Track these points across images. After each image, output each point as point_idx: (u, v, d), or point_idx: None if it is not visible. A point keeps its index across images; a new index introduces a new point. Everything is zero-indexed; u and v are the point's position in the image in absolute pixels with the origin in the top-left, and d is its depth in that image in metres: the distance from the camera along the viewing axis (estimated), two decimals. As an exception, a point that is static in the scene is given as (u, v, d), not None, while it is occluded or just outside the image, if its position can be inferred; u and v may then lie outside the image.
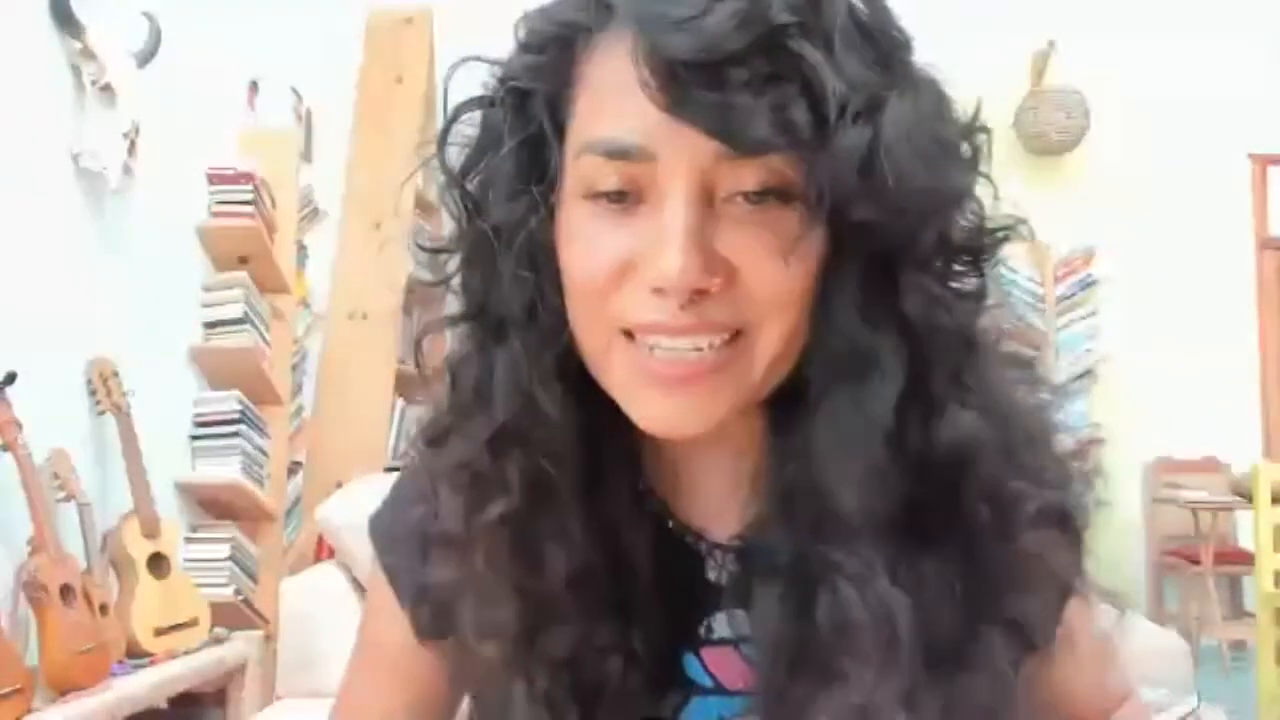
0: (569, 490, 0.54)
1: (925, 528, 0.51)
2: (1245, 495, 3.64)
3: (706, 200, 0.49)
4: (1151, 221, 4.70)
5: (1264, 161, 4.92)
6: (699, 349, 0.50)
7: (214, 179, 3.09)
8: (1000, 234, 0.52)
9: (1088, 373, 4.78)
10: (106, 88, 2.52)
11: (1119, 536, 4.80)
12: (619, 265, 0.50)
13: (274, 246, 3.20)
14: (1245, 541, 4.32)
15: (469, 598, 0.56)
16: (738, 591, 0.58)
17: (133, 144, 2.62)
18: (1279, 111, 4.76)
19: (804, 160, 0.47)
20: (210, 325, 3.08)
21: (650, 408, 0.51)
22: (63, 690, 2.07)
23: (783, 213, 0.49)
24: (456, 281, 0.57)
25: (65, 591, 2.12)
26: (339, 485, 2.87)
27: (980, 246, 0.52)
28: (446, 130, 0.56)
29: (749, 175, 0.48)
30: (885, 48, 0.48)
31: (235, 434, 3.04)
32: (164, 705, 2.34)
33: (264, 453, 3.17)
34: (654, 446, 0.59)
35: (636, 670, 0.56)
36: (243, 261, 3.14)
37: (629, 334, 0.51)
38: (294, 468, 3.50)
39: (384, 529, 0.67)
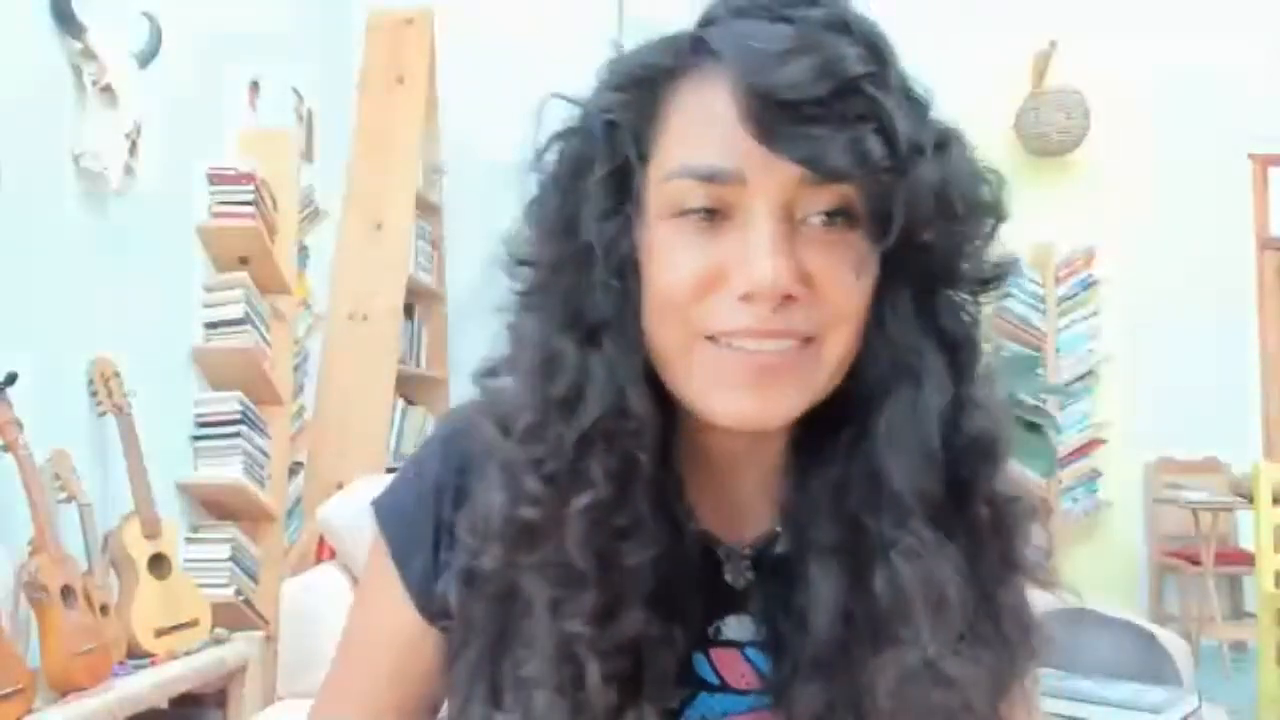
0: (649, 483, 0.60)
1: (949, 516, 0.60)
2: (1245, 495, 3.64)
3: (787, 219, 0.56)
4: (1152, 221, 4.70)
5: (1264, 161, 4.92)
6: (780, 348, 0.56)
7: (214, 179, 3.09)
8: (1000, 268, 0.62)
9: (1089, 373, 4.78)
10: (107, 88, 2.53)
11: (1119, 536, 4.80)
12: (706, 276, 0.56)
13: (274, 247, 3.20)
14: (1245, 542, 4.33)
15: (543, 581, 0.59)
16: (753, 596, 0.65)
17: (133, 144, 2.62)
18: (1279, 112, 4.75)
19: (875, 189, 0.55)
20: (211, 325, 3.08)
21: (730, 402, 0.57)
22: (64, 691, 2.07)
23: (849, 234, 0.57)
24: (539, 291, 0.62)
25: (66, 592, 2.12)
26: (340, 486, 2.87)
27: (992, 276, 0.62)
28: (541, 154, 0.63)
29: (825, 198, 0.56)
30: (922, 104, 0.58)
31: (236, 434, 3.04)
32: (165, 706, 2.34)
33: (265, 453, 3.17)
34: (690, 454, 0.64)
35: (673, 661, 0.61)
36: (243, 262, 3.14)
37: (711, 339, 0.57)
38: (295, 468, 3.50)
39: (391, 512, 0.69)
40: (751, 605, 0.65)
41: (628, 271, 0.60)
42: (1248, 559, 4.02)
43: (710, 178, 0.55)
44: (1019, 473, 0.66)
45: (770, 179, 0.55)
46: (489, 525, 0.60)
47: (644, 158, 0.59)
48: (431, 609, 0.65)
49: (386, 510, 0.69)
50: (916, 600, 0.58)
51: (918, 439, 0.59)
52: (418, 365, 4.36)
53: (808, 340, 0.57)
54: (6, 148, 2.28)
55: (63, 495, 2.28)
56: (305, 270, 3.58)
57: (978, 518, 0.61)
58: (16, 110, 2.34)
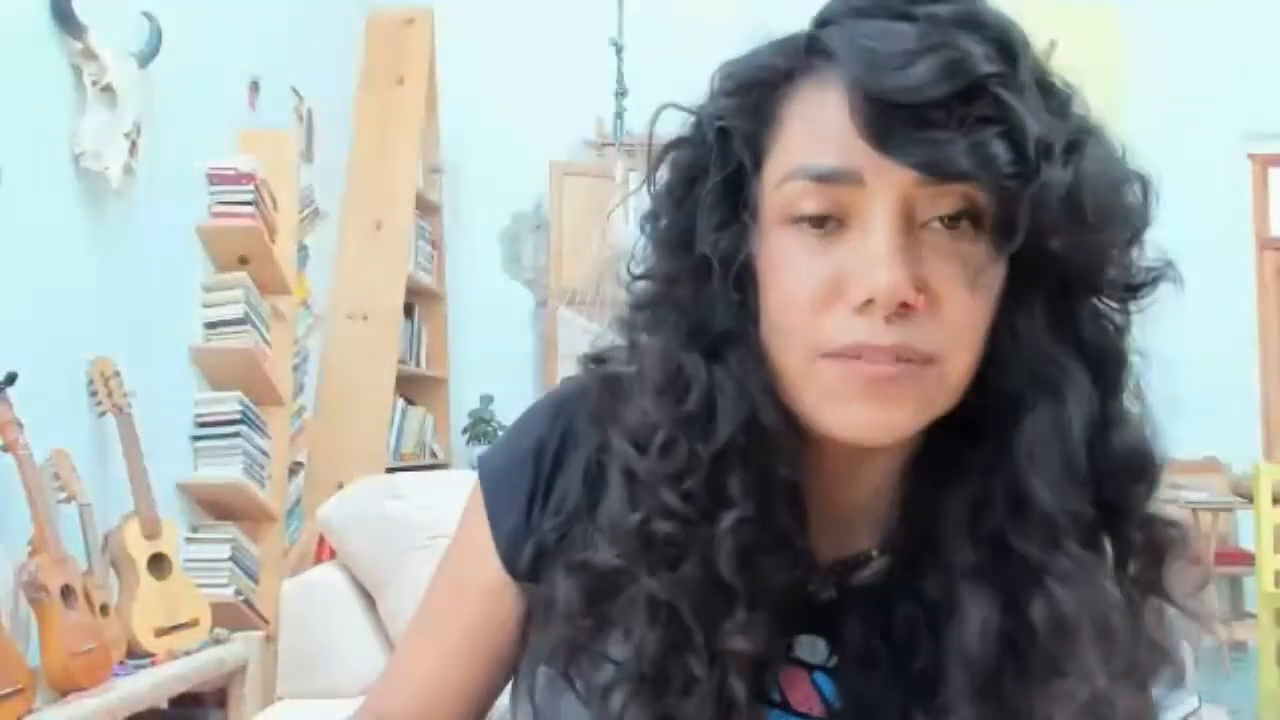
0: (786, 495, 0.59)
1: (1104, 536, 0.57)
2: (1245, 495, 3.64)
3: (908, 224, 0.53)
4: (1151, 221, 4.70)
5: (1264, 161, 4.93)
6: (900, 360, 0.54)
7: (214, 179, 3.09)
8: (1153, 274, 0.59)
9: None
10: (107, 88, 2.52)
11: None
12: (826, 287, 0.54)
13: (274, 247, 3.20)
14: (1245, 542, 4.33)
15: (682, 594, 0.58)
16: (837, 617, 0.62)
17: (133, 144, 2.62)
18: (1279, 112, 4.76)
19: (1002, 194, 0.52)
20: (211, 325, 3.08)
21: (847, 414, 0.55)
22: (64, 691, 2.07)
23: (974, 241, 0.54)
24: (657, 306, 0.61)
25: (66, 592, 2.12)
26: (340, 485, 2.87)
27: (1140, 284, 0.59)
28: (656, 165, 0.61)
29: (947, 201, 0.53)
30: (1062, 98, 0.55)
31: (236, 434, 3.04)
32: (165, 706, 2.34)
33: (265, 453, 3.17)
34: (808, 471, 0.62)
35: (765, 666, 0.60)
36: (243, 262, 3.14)
37: (829, 357, 0.55)
38: (295, 468, 3.50)
39: (491, 468, 0.69)
40: (834, 626, 0.62)
41: (747, 283, 0.58)
42: (1248, 559, 4.02)
43: (826, 179, 0.54)
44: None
45: (888, 180, 0.52)
46: (608, 527, 0.60)
47: (759, 164, 0.57)
48: (517, 568, 0.65)
49: (488, 465, 0.69)
50: (1082, 629, 0.54)
51: (1063, 456, 0.56)
52: (418, 365, 4.36)
53: (926, 362, 0.54)
54: (6, 148, 2.28)
55: (63, 495, 2.28)
56: (305, 270, 3.58)
57: (1131, 543, 0.58)
58: (16, 110, 2.34)
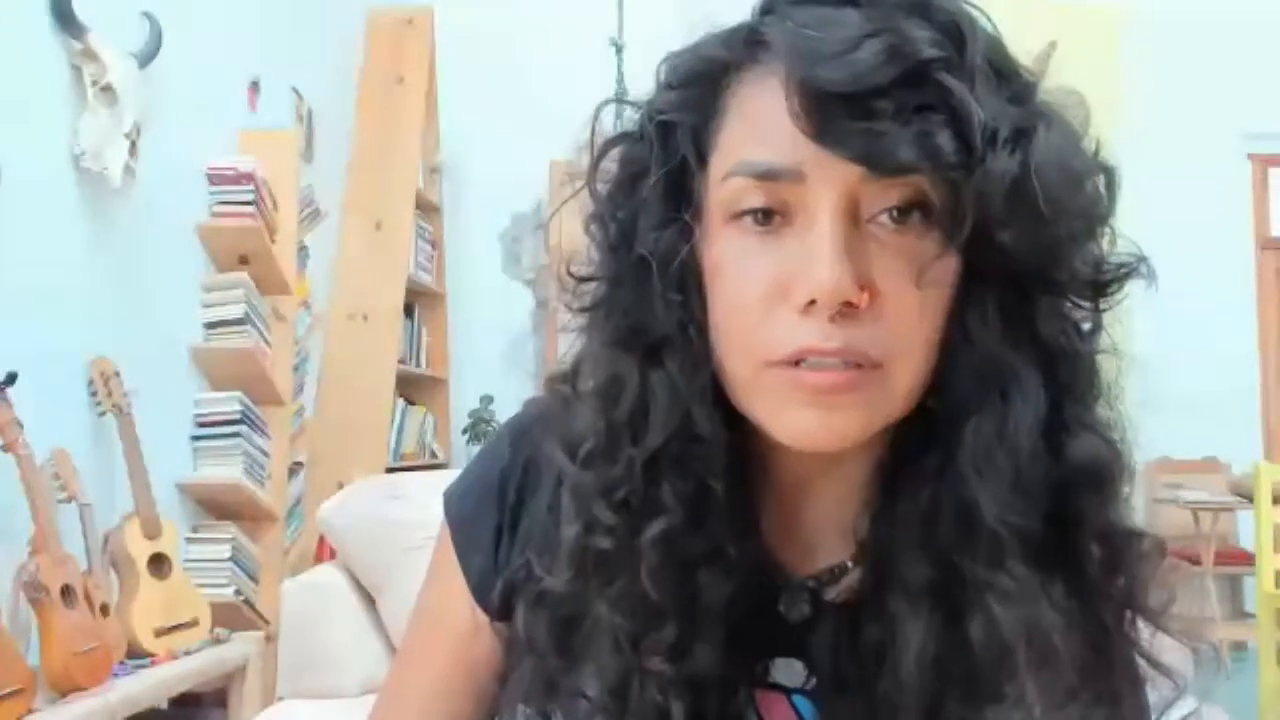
0: (723, 507, 0.56)
1: (1053, 554, 0.53)
2: (1245, 495, 3.64)
3: (853, 219, 0.51)
4: (1151, 221, 4.70)
5: (1264, 161, 4.93)
6: (847, 365, 0.51)
7: (214, 179, 3.09)
8: (1123, 270, 0.56)
9: (1088, 373, 4.78)
10: (107, 88, 2.52)
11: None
12: (770, 289, 0.52)
13: (274, 247, 3.20)
14: (1245, 542, 4.33)
15: (618, 614, 0.56)
16: (809, 636, 0.59)
17: (133, 144, 2.62)
18: (1279, 112, 4.76)
19: (948, 184, 0.49)
20: (211, 325, 3.08)
21: (797, 421, 0.52)
22: (64, 691, 2.07)
23: (923, 236, 0.51)
24: (599, 309, 0.59)
25: (66, 592, 2.12)
26: (340, 486, 2.87)
27: (1108, 281, 0.55)
28: (596, 163, 0.58)
29: (893, 194, 0.51)
30: (1018, 86, 0.53)
31: (236, 434, 3.04)
32: (165, 706, 2.34)
33: (265, 453, 3.17)
34: (759, 476, 0.60)
35: (737, 700, 0.58)
36: (243, 262, 3.14)
37: (776, 366, 0.52)
38: (295, 468, 3.50)
39: (456, 505, 0.68)
40: (808, 646, 0.59)
41: (689, 284, 0.56)
42: (1247, 559, 4.03)
43: (766, 176, 0.51)
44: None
45: (830, 175, 0.50)
46: (560, 551, 0.58)
47: (703, 160, 0.55)
48: (489, 607, 0.64)
49: (453, 503, 0.68)
50: (1019, 651, 0.51)
51: (1009, 463, 0.52)
52: (418, 365, 4.36)
53: (873, 365, 0.52)
54: (6, 148, 2.28)
55: (63, 495, 2.28)
56: (305, 270, 3.58)
57: (1088, 556, 0.53)
58: (16, 110, 2.34)
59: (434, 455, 4.46)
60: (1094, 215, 0.54)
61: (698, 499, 0.55)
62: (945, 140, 0.48)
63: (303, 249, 3.54)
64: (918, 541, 0.55)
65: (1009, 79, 0.52)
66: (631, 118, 0.59)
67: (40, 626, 2.09)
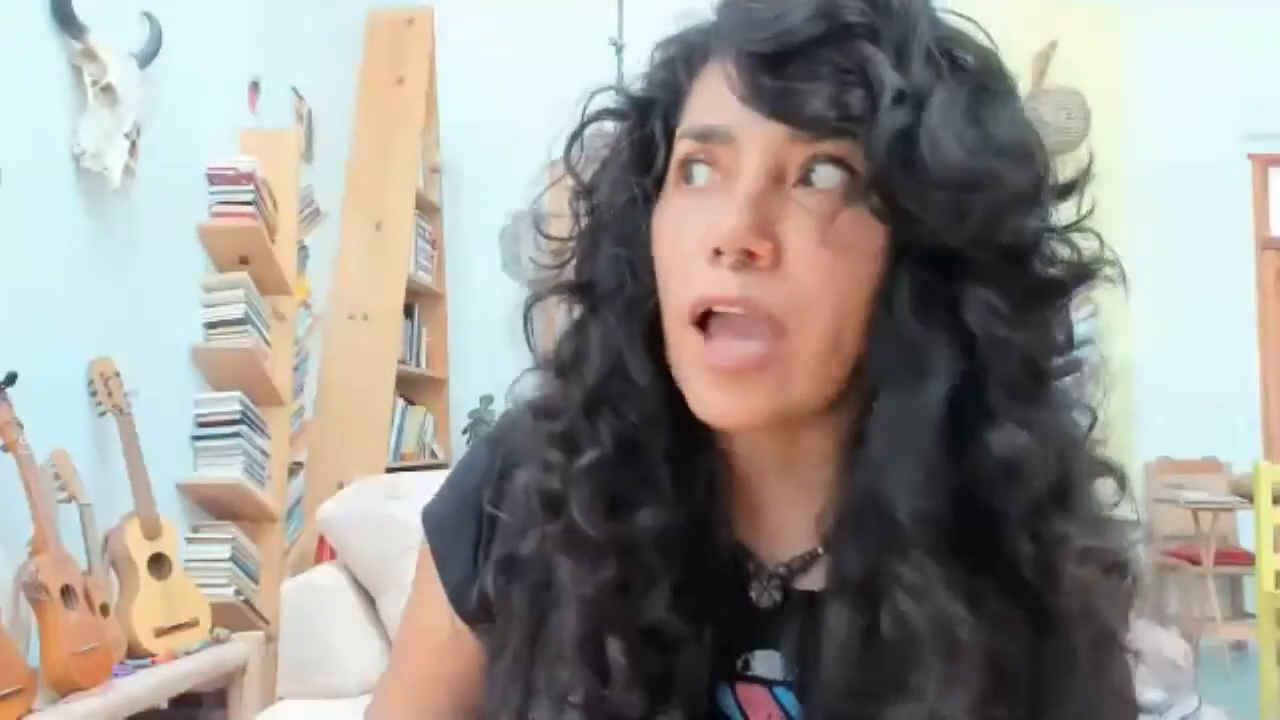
0: (658, 451, 0.58)
1: (976, 548, 0.52)
2: (1245, 495, 3.64)
3: (777, 181, 0.53)
4: (1151, 221, 4.70)
5: (1264, 161, 4.93)
6: (746, 340, 0.52)
7: (214, 179, 3.09)
8: (1085, 271, 0.55)
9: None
10: (108, 88, 2.52)
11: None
12: (695, 244, 0.54)
13: (274, 247, 3.20)
14: (1245, 541, 4.33)
15: (566, 553, 0.58)
16: (782, 627, 0.59)
17: (134, 144, 2.62)
18: (1279, 112, 4.76)
19: (865, 147, 0.50)
20: (211, 325, 3.08)
21: (705, 397, 0.54)
22: (64, 691, 2.07)
23: (845, 204, 0.52)
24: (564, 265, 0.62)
25: (66, 592, 2.12)
26: (340, 485, 2.87)
27: (1056, 280, 0.54)
28: (574, 137, 0.62)
29: (812, 155, 0.52)
30: (949, 62, 0.52)
31: (236, 434, 3.04)
32: (165, 706, 2.34)
33: (265, 453, 3.17)
34: (726, 465, 0.61)
35: (702, 666, 0.58)
36: (243, 262, 3.14)
37: (699, 324, 0.54)
38: (295, 468, 3.50)
39: (434, 517, 0.69)
40: (781, 638, 0.59)
41: (635, 242, 0.58)
42: (1247, 559, 4.02)
43: (702, 136, 0.55)
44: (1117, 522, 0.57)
45: (755, 135, 0.53)
46: (526, 508, 0.60)
47: (669, 136, 0.59)
48: (467, 612, 0.65)
49: (431, 516, 0.69)
50: (924, 645, 0.51)
51: (914, 448, 0.51)
52: (418, 365, 4.36)
53: (778, 331, 0.52)
54: (6, 148, 2.28)
55: (63, 495, 2.28)
56: (305, 270, 3.58)
57: (1019, 555, 0.52)
58: (16, 110, 2.34)
59: (434, 455, 4.46)
60: (1013, 191, 0.52)
61: (631, 439, 0.58)
62: (856, 99, 0.50)
63: (303, 249, 3.54)
64: (852, 535, 0.55)
65: (946, 52, 0.53)
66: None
67: (40, 626, 2.09)
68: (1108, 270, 0.57)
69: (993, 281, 0.52)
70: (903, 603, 0.52)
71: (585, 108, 0.62)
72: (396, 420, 4.12)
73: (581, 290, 0.61)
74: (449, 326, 4.65)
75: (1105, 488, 0.58)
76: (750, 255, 0.51)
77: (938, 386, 0.51)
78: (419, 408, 4.39)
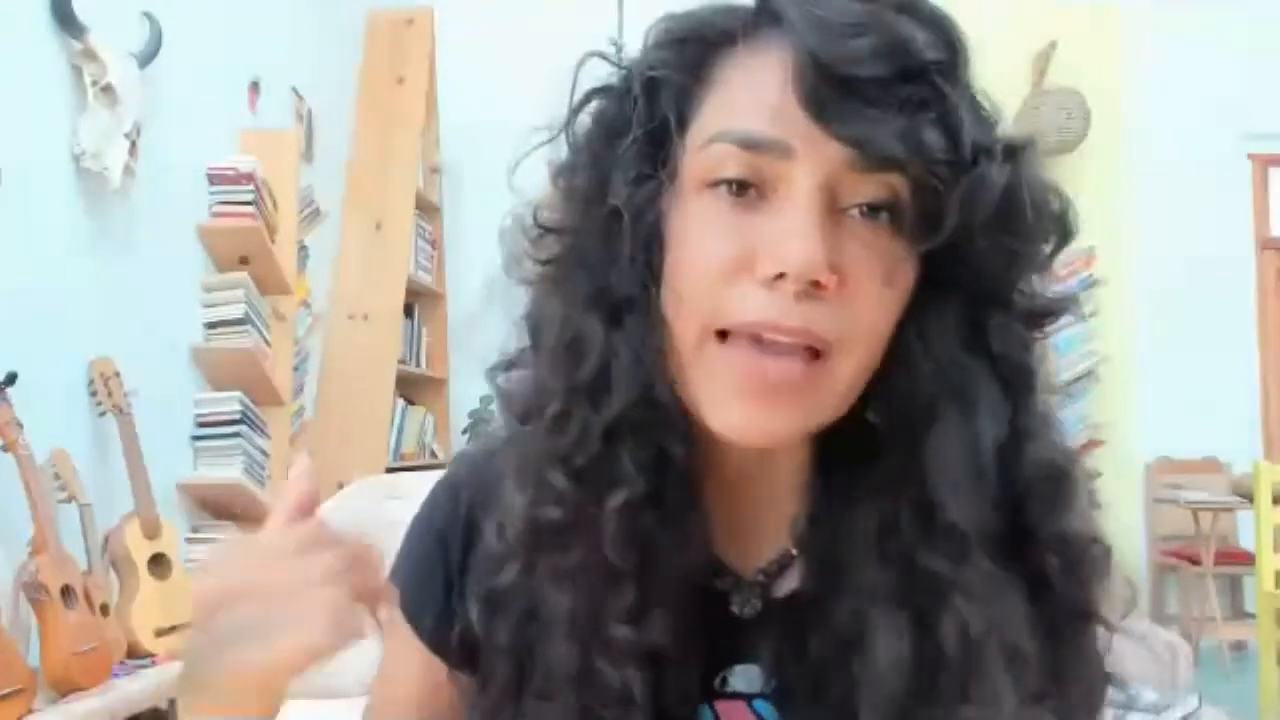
0: (682, 482, 0.56)
1: (1019, 558, 0.54)
2: (1245, 495, 3.64)
3: (830, 206, 0.51)
4: (1151, 221, 4.70)
5: (1264, 161, 4.93)
6: (780, 359, 0.51)
7: (214, 179, 3.09)
8: (1065, 300, 0.57)
9: (1088, 373, 4.78)
10: (108, 88, 2.52)
11: (1119, 537, 4.80)
12: (735, 258, 0.51)
13: (274, 247, 3.20)
14: (1245, 541, 4.33)
15: (571, 586, 0.56)
16: (761, 638, 0.59)
17: (133, 144, 2.62)
18: (1279, 112, 4.76)
19: (928, 184, 0.50)
20: (211, 325, 3.08)
21: (732, 414, 0.53)
22: (64, 691, 2.07)
23: (893, 236, 0.52)
24: (561, 264, 0.58)
25: (66, 592, 2.12)
26: (340, 486, 2.87)
27: (1056, 306, 0.57)
28: (577, 111, 0.58)
29: (871, 189, 0.51)
30: (988, 115, 0.54)
31: (236, 435, 3.04)
32: (165, 706, 2.34)
33: (265, 453, 3.17)
34: (713, 478, 0.59)
35: (694, 679, 0.58)
36: (244, 262, 3.14)
37: (723, 335, 0.52)
38: (295, 468, 3.50)
39: (401, 570, 0.67)
40: (759, 649, 0.59)
41: (655, 245, 0.55)
42: (1247, 559, 4.02)
43: (752, 145, 0.51)
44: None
45: (817, 155, 0.50)
46: (509, 535, 0.57)
47: (684, 123, 0.55)
48: (449, 656, 0.63)
49: (398, 570, 0.67)
50: (989, 650, 0.52)
51: (973, 468, 0.53)
52: (418, 365, 4.36)
53: (818, 355, 0.51)
54: (6, 148, 2.28)
55: (63, 495, 2.28)
56: (305, 270, 3.58)
57: (1046, 564, 0.54)
58: (17, 110, 2.34)
59: (434, 455, 4.46)
60: (1064, 234, 0.55)
61: (657, 468, 0.55)
62: (933, 138, 0.49)
63: (303, 249, 3.54)
64: (875, 548, 0.55)
65: (982, 105, 0.54)
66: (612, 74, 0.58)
67: (40, 626, 2.09)
68: (1073, 307, 0.59)
69: (1013, 310, 0.55)
70: (964, 607, 0.52)
71: (576, 76, 0.58)
72: (396, 420, 4.12)
73: (597, 299, 0.56)
74: (449, 326, 4.65)
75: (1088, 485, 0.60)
76: (816, 285, 0.50)
77: (992, 415, 0.54)
78: (419, 408, 4.40)
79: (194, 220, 3.07)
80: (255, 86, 3.44)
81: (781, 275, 0.50)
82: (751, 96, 0.52)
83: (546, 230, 0.59)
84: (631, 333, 0.55)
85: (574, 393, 0.55)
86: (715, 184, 0.52)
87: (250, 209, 3.10)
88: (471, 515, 0.62)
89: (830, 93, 0.49)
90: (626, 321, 0.55)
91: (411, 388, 4.36)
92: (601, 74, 0.59)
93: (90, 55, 2.51)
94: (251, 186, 3.10)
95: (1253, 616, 3.88)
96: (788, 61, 0.50)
